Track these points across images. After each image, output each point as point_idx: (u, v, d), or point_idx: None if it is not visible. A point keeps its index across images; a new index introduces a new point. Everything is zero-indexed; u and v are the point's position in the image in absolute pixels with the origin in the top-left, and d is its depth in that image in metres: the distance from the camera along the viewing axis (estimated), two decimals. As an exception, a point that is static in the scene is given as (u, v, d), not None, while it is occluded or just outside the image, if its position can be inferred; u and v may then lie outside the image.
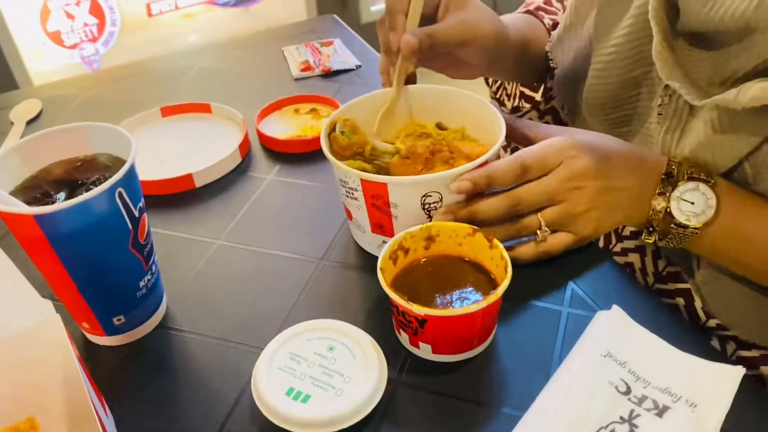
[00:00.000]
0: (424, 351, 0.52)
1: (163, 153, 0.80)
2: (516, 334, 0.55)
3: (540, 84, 0.81)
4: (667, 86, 0.59)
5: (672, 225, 0.56)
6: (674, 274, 0.67)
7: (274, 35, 1.10)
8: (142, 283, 0.55)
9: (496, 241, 0.54)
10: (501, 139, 0.57)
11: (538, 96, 0.81)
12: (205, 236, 0.67)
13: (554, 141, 0.57)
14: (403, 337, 0.53)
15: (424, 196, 0.55)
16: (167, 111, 0.87)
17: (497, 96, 0.87)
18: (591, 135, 0.59)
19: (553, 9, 0.81)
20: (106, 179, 0.48)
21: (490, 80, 0.86)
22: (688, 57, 0.56)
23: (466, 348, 0.52)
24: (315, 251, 0.64)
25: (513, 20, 0.77)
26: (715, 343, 0.66)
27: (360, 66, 0.99)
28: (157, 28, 2.41)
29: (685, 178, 0.56)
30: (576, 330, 0.54)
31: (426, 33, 0.60)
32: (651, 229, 0.58)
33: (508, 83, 0.84)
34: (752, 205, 0.57)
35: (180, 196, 0.73)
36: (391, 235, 0.59)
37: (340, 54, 1.00)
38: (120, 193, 0.49)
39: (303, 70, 0.96)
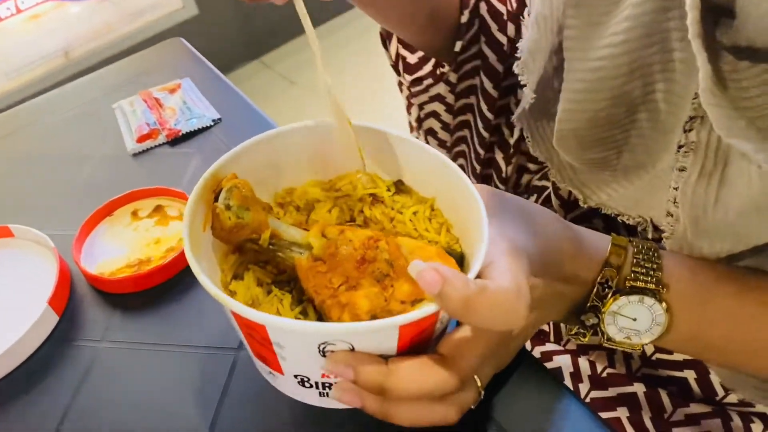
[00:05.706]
0: None
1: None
2: None
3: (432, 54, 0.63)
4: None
5: (608, 342, 0.46)
6: None
7: (101, 83, 0.82)
8: None
9: None
10: (475, 268, 0.36)
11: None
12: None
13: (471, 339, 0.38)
14: None
15: (323, 343, 0.35)
16: (-49, 244, 0.61)
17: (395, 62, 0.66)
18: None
19: None
20: None
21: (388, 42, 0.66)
22: (737, 87, 0.36)
23: None
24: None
25: None
26: (737, 421, 0.55)
27: (221, 120, 0.73)
28: (1, 38, 2.03)
29: (626, 287, 0.43)
30: None
31: None
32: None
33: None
34: (716, 303, 0.44)
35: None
36: (280, 371, 0.39)
37: (190, 103, 0.74)
38: None
39: (141, 140, 0.71)
